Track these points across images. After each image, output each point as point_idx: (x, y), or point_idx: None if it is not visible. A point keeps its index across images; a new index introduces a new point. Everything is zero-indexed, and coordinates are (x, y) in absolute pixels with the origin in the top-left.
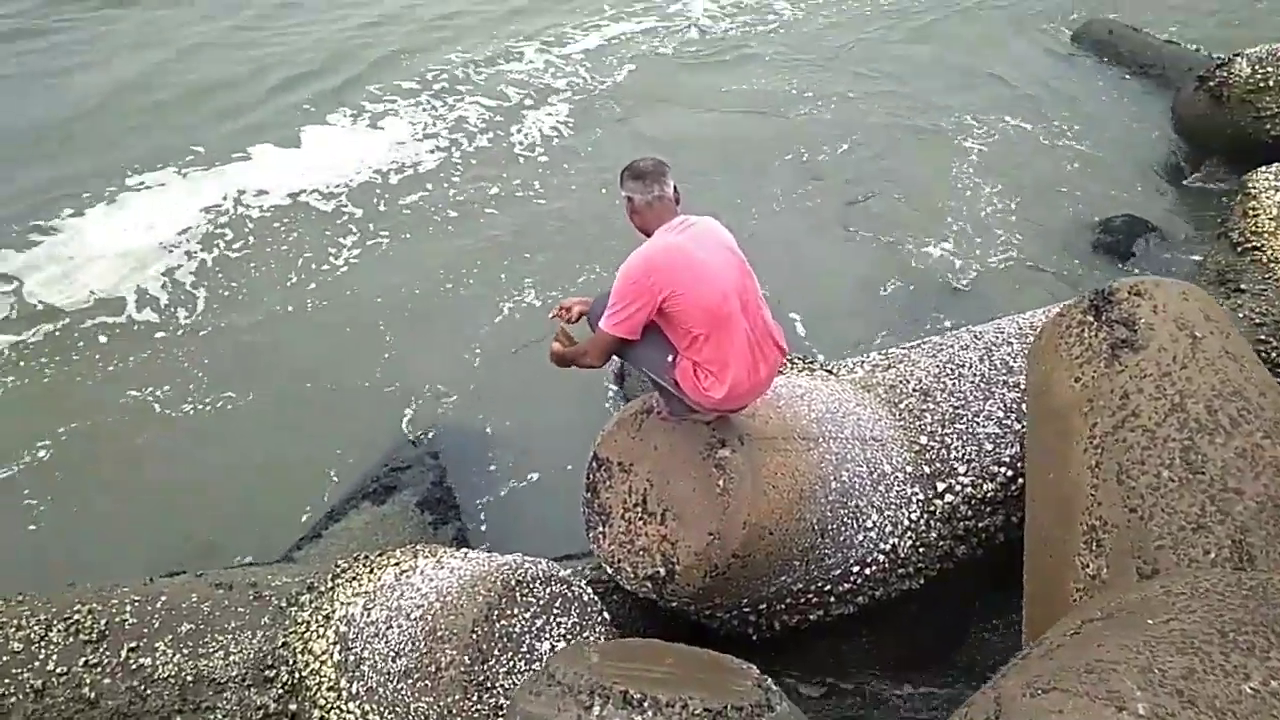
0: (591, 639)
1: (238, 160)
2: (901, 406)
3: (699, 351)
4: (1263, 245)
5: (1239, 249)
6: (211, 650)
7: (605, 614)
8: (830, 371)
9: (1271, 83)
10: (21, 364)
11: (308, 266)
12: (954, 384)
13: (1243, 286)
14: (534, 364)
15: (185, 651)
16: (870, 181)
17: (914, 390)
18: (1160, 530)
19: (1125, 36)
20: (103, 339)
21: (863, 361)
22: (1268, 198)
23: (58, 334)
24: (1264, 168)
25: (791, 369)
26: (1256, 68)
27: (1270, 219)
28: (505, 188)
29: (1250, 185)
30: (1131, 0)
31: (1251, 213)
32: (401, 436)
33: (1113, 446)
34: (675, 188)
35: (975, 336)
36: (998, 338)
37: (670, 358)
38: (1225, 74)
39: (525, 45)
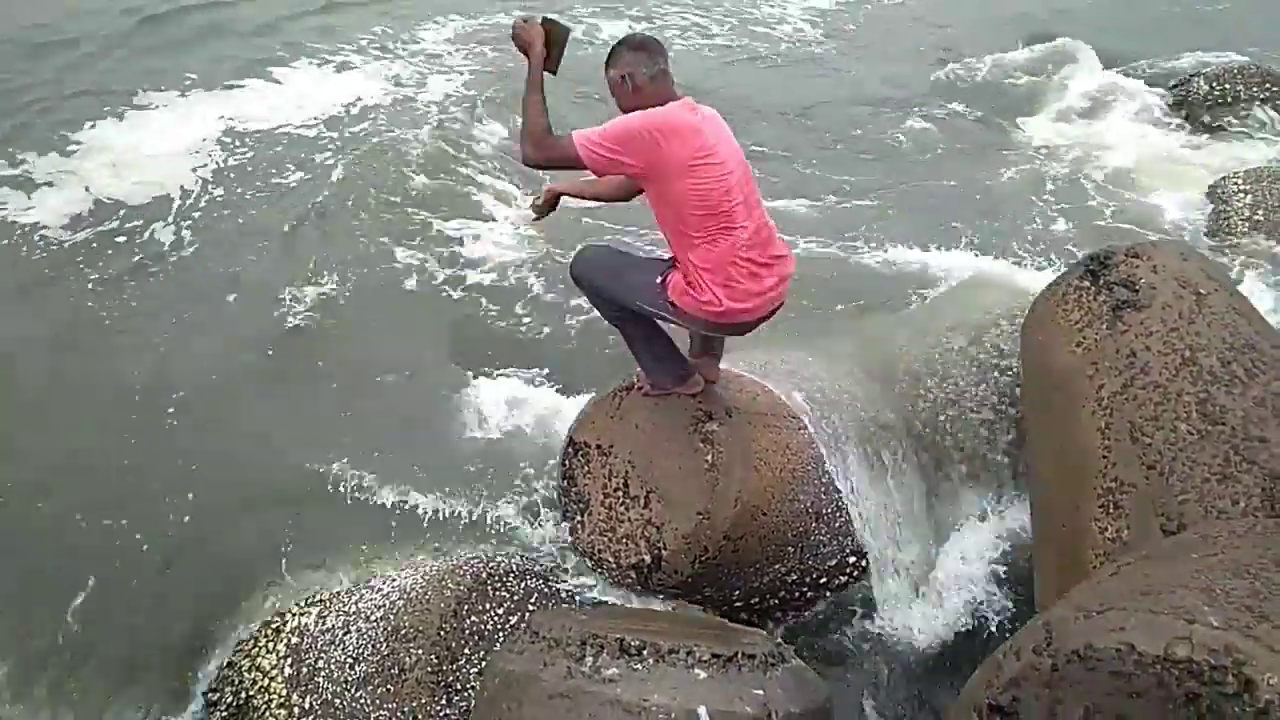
0: None
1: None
2: (895, 393)
3: (693, 249)
4: (1238, 244)
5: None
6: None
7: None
8: (814, 357)
9: (1229, 99)
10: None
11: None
12: (944, 369)
13: None
14: None
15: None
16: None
17: (904, 374)
18: (1183, 484)
19: None
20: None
21: (847, 341)
22: (1238, 200)
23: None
24: (1232, 174)
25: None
26: (1214, 85)
27: (1242, 220)
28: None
29: (1220, 191)
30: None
31: (1224, 216)
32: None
33: (1123, 405)
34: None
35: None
36: (985, 319)
37: (659, 278)
38: (1184, 92)
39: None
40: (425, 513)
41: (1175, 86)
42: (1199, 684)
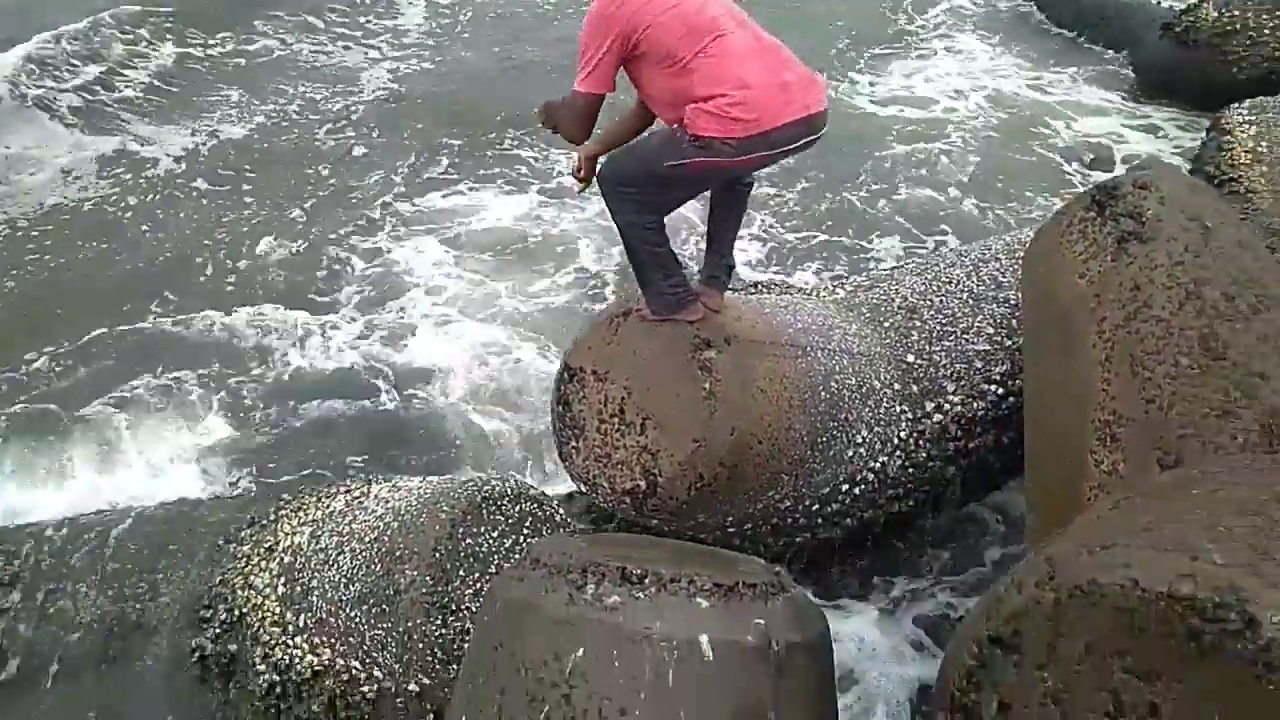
0: None
1: None
2: (887, 325)
3: (692, 78)
4: (1240, 177)
5: (1216, 182)
6: (140, 592)
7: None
8: (810, 293)
9: (1239, 25)
10: None
11: None
12: (941, 301)
13: None
14: None
15: (110, 594)
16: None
17: (899, 308)
18: (1182, 419)
19: None
20: None
21: (843, 282)
22: (1242, 131)
23: None
24: (1235, 104)
25: (768, 292)
26: (1223, 11)
27: (1245, 151)
28: None
29: (1224, 121)
30: None
31: (1226, 147)
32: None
33: (1124, 339)
34: None
35: (961, 255)
36: (985, 254)
37: (676, 129)
38: (1192, 18)
39: None
40: (419, 433)
41: (1183, 13)
42: (1202, 621)
